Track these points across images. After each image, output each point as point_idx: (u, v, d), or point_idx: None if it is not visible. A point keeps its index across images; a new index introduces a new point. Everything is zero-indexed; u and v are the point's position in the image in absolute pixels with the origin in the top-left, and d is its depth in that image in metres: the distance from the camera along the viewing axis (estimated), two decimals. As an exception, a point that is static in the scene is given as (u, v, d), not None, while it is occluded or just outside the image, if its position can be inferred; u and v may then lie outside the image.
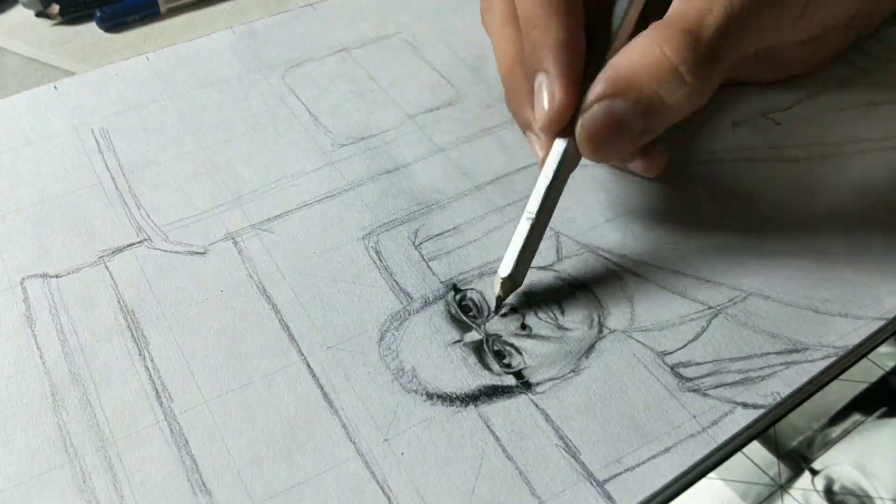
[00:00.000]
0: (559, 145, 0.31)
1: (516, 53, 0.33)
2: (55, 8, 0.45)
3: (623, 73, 0.28)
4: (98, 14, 0.45)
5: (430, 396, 0.29)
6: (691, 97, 0.28)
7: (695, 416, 0.28)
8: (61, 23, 0.45)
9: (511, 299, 0.31)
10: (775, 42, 0.33)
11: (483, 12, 0.37)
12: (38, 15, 0.45)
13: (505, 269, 0.30)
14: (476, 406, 0.28)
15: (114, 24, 0.45)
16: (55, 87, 0.41)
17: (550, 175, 0.31)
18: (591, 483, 0.26)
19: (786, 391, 0.28)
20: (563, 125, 0.30)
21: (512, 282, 0.30)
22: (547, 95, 0.30)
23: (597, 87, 0.29)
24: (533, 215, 0.30)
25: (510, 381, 0.29)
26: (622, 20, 0.30)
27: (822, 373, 0.29)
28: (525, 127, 0.33)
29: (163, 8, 0.45)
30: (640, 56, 0.28)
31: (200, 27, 0.45)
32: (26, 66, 0.43)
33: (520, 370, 0.29)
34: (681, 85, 0.28)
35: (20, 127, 0.39)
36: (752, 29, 0.29)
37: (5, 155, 0.38)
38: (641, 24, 0.30)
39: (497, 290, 0.30)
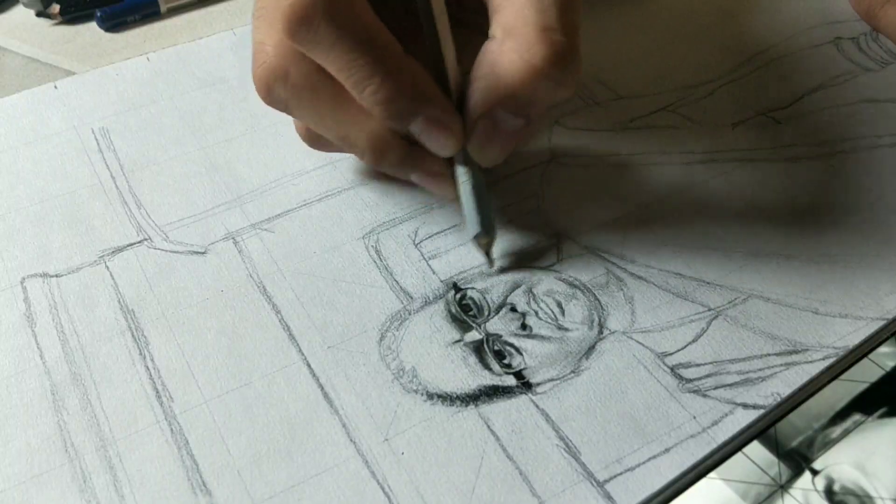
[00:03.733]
0: (460, 166, 0.32)
1: (362, 113, 0.30)
2: (55, 8, 0.45)
3: (493, 89, 0.29)
4: (98, 14, 0.45)
5: (430, 396, 0.29)
6: (563, 86, 0.29)
7: (695, 417, 0.28)
8: (61, 22, 0.45)
9: (512, 298, 0.31)
10: None
11: (272, 91, 0.30)
12: (39, 15, 0.45)
13: (472, 228, 0.31)
14: (476, 406, 0.28)
15: (114, 24, 0.45)
16: (55, 87, 0.41)
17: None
18: (592, 483, 0.26)
19: (786, 392, 0.28)
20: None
21: (487, 236, 0.31)
22: (441, 129, 0.30)
23: (473, 106, 0.29)
24: (466, 175, 0.31)
25: (510, 381, 0.29)
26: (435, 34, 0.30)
27: (822, 373, 0.29)
28: (415, 171, 0.32)
29: (163, 8, 0.45)
30: (504, 70, 0.28)
31: (201, 27, 0.45)
32: (26, 65, 0.43)
33: (520, 370, 0.29)
34: (550, 80, 0.28)
35: (20, 126, 0.39)
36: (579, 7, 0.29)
37: (5, 155, 0.38)
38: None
39: (480, 251, 0.32)
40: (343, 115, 0.30)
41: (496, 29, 0.29)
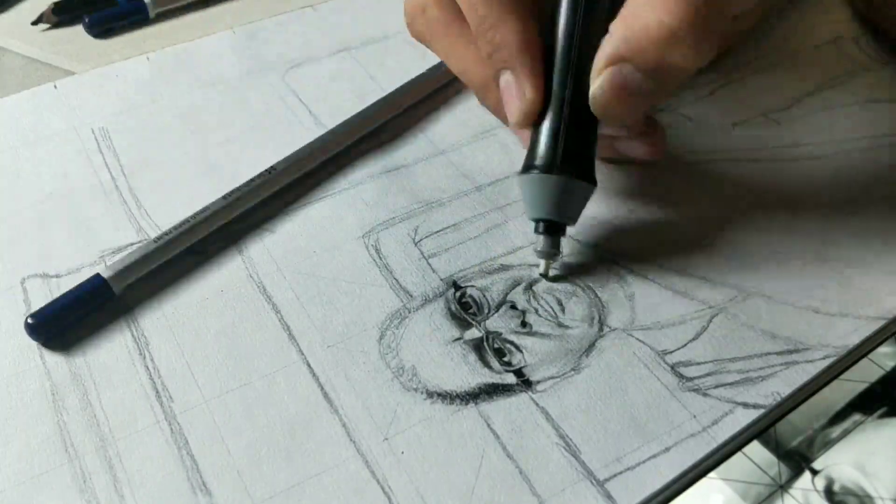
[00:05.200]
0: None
1: (476, 54, 0.33)
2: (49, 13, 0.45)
3: (626, 42, 0.28)
4: (86, 20, 0.44)
5: (430, 395, 0.29)
6: (697, 56, 0.28)
7: (695, 416, 0.28)
8: (54, 26, 0.45)
9: (512, 296, 0.31)
10: (742, 8, 0.34)
11: (413, 22, 0.34)
12: (34, 23, 0.45)
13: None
14: (476, 404, 0.28)
15: (102, 30, 0.44)
16: (55, 87, 0.41)
17: None
18: (592, 482, 0.26)
19: (786, 391, 0.28)
20: (535, 120, 0.31)
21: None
22: (517, 93, 0.31)
23: (602, 55, 0.29)
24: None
25: (510, 379, 0.29)
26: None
27: (822, 373, 0.29)
28: (504, 120, 0.33)
29: (152, 13, 0.45)
30: (639, 26, 0.28)
31: (200, 28, 0.45)
32: (26, 65, 0.43)
33: (520, 368, 0.29)
34: (685, 47, 0.28)
35: (20, 127, 0.39)
36: None
37: (5, 155, 0.38)
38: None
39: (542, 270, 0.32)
40: (463, 52, 0.33)
41: None
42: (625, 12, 0.29)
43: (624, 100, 0.29)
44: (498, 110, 0.33)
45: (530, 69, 0.30)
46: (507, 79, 0.31)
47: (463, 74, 0.34)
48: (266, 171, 0.34)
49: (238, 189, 0.34)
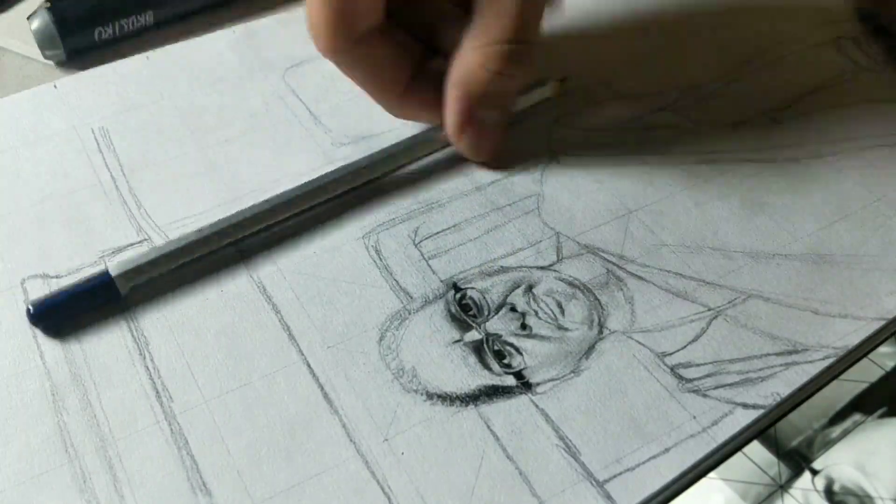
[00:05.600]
0: None
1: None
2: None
3: (468, 95, 0.34)
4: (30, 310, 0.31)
5: (430, 396, 0.29)
6: (527, 73, 0.34)
7: (695, 417, 0.28)
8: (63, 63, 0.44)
9: (512, 298, 0.31)
10: None
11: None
12: (31, 17, 0.45)
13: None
14: (476, 406, 0.28)
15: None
16: (55, 87, 0.41)
17: None
18: (592, 483, 0.26)
19: (786, 391, 0.28)
20: None
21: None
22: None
23: (454, 113, 0.34)
24: None
25: (510, 381, 0.29)
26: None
27: (822, 373, 0.29)
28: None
29: (123, 291, 0.32)
30: (474, 77, 0.33)
31: (200, 32, 0.45)
32: (26, 65, 0.43)
33: (520, 370, 0.29)
34: (514, 77, 0.33)
35: (20, 126, 0.39)
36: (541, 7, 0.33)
37: (5, 155, 0.38)
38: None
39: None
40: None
41: (465, 40, 0.33)
42: (456, 66, 0.34)
43: (487, 137, 0.36)
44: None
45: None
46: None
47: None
48: (293, 189, 0.34)
49: (258, 205, 0.33)
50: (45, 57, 0.43)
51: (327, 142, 0.38)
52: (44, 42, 0.42)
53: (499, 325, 0.31)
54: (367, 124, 0.39)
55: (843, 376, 0.29)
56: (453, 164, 0.37)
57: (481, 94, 0.33)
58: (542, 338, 0.30)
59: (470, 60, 0.33)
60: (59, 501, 0.26)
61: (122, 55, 0.43)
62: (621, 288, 0.32)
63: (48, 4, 0.43)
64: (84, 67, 0.42)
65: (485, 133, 0.35)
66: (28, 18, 0.43)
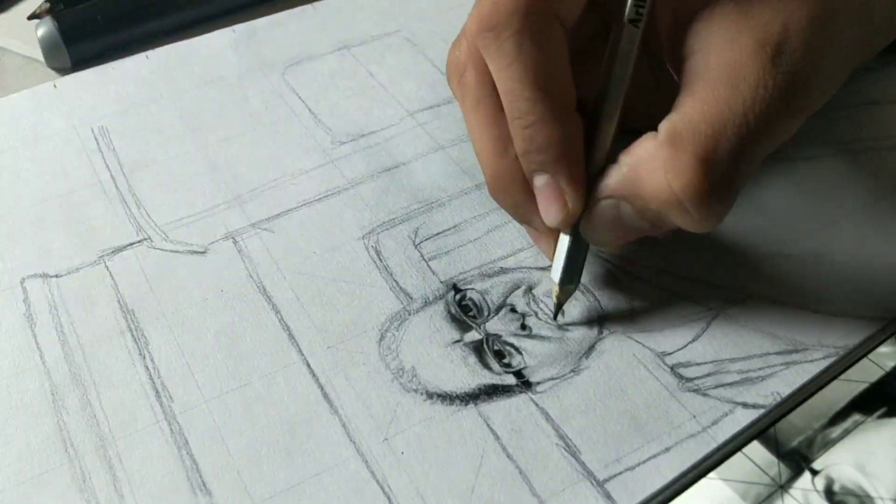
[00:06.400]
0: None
1: (501, 141, 0.29)
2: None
3: (630, 185, 0.27)
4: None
5: (429, 396, 0.29)
6: (700, 224, 0.26)
7: (695, 416, 0.28)
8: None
9: (512, 299, 0.31)
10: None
11: (451, 79, 0.31)
12: (31, 17, 0.45)
13: (556, 274, 0.30)
14: (476, 405, 0.28)
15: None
16: (55, 86, 0.41)
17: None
18: (591, 482, 0.26)
19: (786, 391, 0.28)
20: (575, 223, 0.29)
21: (569, 284, 0.30)
22: (557, 199, 0.28)
23: (604, 185, 0.28)
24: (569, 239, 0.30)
25: (510, 380, 0.29)
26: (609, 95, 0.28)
27: (822, 373, 0.29)
28: (523, 221, 0.31)
29: None
30: (647, 177, 0.26)
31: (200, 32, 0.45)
32: (26, 65, 0.43)
33: (520, 370, 0.29)
34: (687, 214, 0.26)
35: (20, 126, 0.39)
36: (768, 145, 0.26)
37: (5, 154, 0.38)
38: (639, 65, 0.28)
39: (557, 298, 0.30)
40: (487, 137, 0.29)
41: (665, 125, 0.26)
42: (636, 148, 0.27)
43: (615, 231, 0.28)
44: (515, 209, 0.30)
45: (574, 176, 0.28)
46: (544, 181, 0.28)
47: (481, 159, 0.30)
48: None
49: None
50: (50, 66, 0.43)
51: (327, 140, 0.38)
52: (49, 52, 0.42)
53: (499, 325, 0.31)
54: (367, 122, 0.39)
55: (843, 376, 0.29)
56: (453, 163, 0.37)
57: (643, 202, 0.27)
58: (542, 338, 0.30)
59: (656, 157, 0.26)
60: (59, 501, 0.26)
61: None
62: (621, 288, 0.32)
63: (58, 9, 0.43)
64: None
65: (615, 225, 0.28)
66: (33, 24, 0.43)
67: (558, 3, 0.27)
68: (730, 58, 0.25)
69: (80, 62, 0.43)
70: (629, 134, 0.28)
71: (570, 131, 0.28)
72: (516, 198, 0.29)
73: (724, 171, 0.25)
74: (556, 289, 0.30)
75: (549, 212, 0.28)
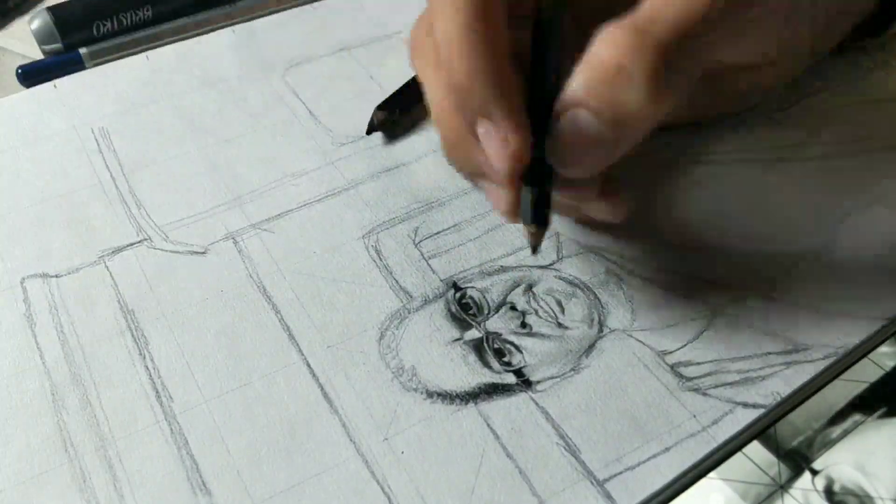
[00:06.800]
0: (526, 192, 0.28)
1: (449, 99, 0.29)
2: None
3: (578, 82, 0.26)
4: (20, 71, 0.41)
5: (430, 395, 0.29)
6: (651, 101, 0.26)
7: (695, 416, 0.28)
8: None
9: (512, 297, 0.31)
10: (732, 60, 0.30)
11: (412, 53, 0.31)
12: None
13: (525, 217, 0.28)
14: (476, 404, 0.28)
15: (35, 81, 0.41)
16: (55, 87, 0.41)
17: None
18: (592, 482, 0.26)
19: (786, 391, 0.28)
20: (523, 170, 0.28)
21: (537, 226, 0.29)
22: (499, 143, 0.27)
23: (561, 99, 0.27)
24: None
25: (510, 379, 0.29)
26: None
27: (822, 373, 0.29)
28: (474, 177, 0.30)
29: (88, 64, 0.43)
30: (591, 62, 0.26)
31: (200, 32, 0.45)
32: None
33: (520, 368, 0.29)
34: (636, 89, 0.25)
35: (20, 127, 0.39)
36: (714, 37, 0.26)
37: (5, 155, 0.38)
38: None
39: (530, 239, 0.29)
40: (440, 97, 0.30)
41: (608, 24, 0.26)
42: (587, 54, 0.26)
43: (579, 149, 0.27)
44: (465, 163, 0.30)
45: (514, 118, 0.27)
46: (485, 127, 0.27)
47: (436, 121, 0.30)
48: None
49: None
50: (44, 53, 0.43)
51: (327, 141, 0.38)
52: (42, 38, 0.42)
53: (499, 323, 0.31)
54: (367, 123, 0.39)
55: (843, 376, 0.29)
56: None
57: (594, 89, 0.26)
58: (543, 336, 0.30)
59: (606, 55, 0.26)
60: (59, 501, 0.26)
61: (121, 50, 0.43)
62: (621, 286, 0.32)
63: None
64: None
65: (580, 139, 0.27)
66: (28, 21, 0.43)
67: None
68: None
69: (72, 49, 0.43)
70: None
71: (504, 76, 0.27)
72: (467, 153, 0.29)
73: (663, 37, 0.25)
74: (527, 228, 0.29)
75: (496, 157, 0.27)
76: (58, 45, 0.43)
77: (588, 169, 0.28)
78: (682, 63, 0.26)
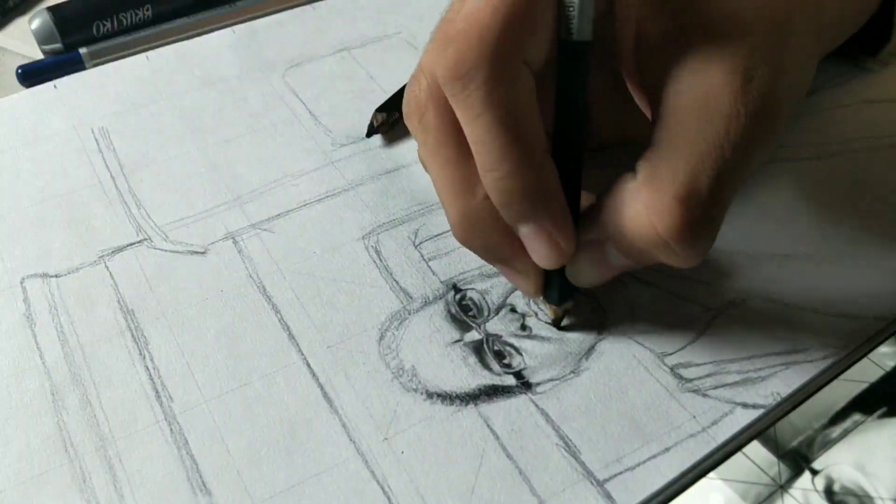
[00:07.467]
0: None
1: (468, 181, 0.27)
2: None
3: (613, 228, 0.27)
4: (19, 71, 0.42)
5: (429, 395, 0.29)
6: (685, 261, 0.26)
7: (695, 417, 0.28)
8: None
9: (512, 299, 0.31)
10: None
11: (410, 118, 0.29)
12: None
13: (552, 297, 0.30)
14: (476, 405, 0.28)
15: (34, 81, 0.42)
16: (55, 87, 0.41)
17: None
18: (592, 483, 0.26)
19: (786, 391, 0.28)
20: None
21: (561, 304, 0.30)
22: (547, 243, 0.27)
23: (588, 231, 0.28)
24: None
25: (510, 380, 0.29)
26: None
27: (822, 373, 0.29)
28: (501, 263, 0.30)
29: (88, 64, 0.43)
30: (629, 219, 0.26)
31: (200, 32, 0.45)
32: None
33: (520, 370, 0.29)
34: (672, 253, 0.26)
35: (20, 126, 0.39)
36: (746, 173, 0.26)
37: (5, 154, 0.38)
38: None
39: (553, 315, 0.30)
40: (451, 179, 0.28)
41: (643, 165, 0.26)
42: (616, 190, 0.26)
43: (600, 272, 0.28)
44: (488, 250, 0.29)
45: (560, 220, 0.27)
46: (529, 229, 0.27)
47: (445, 201, 0.29)
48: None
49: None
50: (44, 53, 0.43)
51: (327, 142, 0.38)
52: (42, 38, 0.42)
53: (499, 325, 0.31)
54: (367, 124, 0.39)
55: (843, 376, 0.29)
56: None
57: (627, 244, 0.26)
58: (542, 338, 0.30)
59: (637, 199, 0.25)
60: (59, 501, 0.26)
61: (121, 50, 0.43)
62: (621, 289, 0.32)
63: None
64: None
65: (600, 266, 0.28)
66: (28, 21, 0.43)
67: (525, 45, 0.25)
68: (701, 89, 0.25)
69: (73, 48, 0.43)
70: (601, 154, 0.28)
71: (547, 176, 0.27)
72: (490, 240, 0.28)
73: (705, 206, 0.25)
74: (553, 309, 0.30)
75: (541, 256, 0.28)
76: (58, 45, 0.43)
77: (600, 284, 0.29)
78: (718, 215, 0.26)
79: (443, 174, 0.28)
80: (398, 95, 0.39)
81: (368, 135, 0.38)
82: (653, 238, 0.25)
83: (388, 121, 0.38)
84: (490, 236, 0.28)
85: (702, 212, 0.25)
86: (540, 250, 0.28)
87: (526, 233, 0.27)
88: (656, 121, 0.26)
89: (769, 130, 0.25)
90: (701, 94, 0.25)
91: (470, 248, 0.30)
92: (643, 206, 0.25)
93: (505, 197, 0.26)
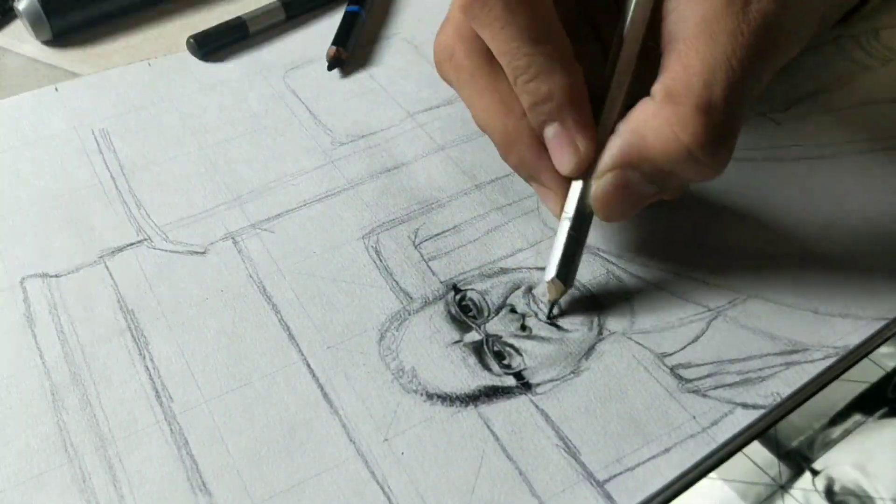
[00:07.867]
0: (571, 206, 0.30)
1: (503, 102, 0.30)
2: None
3: (636, 150, 0.28)
4: (192, 40, 0.43)
5: (429, 396, 0.29)
6: (710, 170, 0.28)
7: (695, 417, 0.28)
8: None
9: (512, 299, 0.31)
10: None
11: (440, 66, 0.32)
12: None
13: (550, 270, 0.30)
14: (476, 406, 0.28)
15: (209, 50, 0.43)
16: (56, 89, 0.41)
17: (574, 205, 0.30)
18: (591, 483, 0.26)
19: (786, 391, 0.28)
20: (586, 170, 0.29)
21: (562, 285, 0.30)
22: (568, 146, 0.29)
23: (608, 157, 0.28)
24: (570, 215, 0.30)
25: (510, 381, 0.29)
26: (616, 61, 0.30)
27: (822, 373, 0.29)
28: (532, 178, 0.31)
29: (252, 29, 0.44)
30: (652, 136, 0.27)
31: (200, 27, 0.45)
32: (27, 67, 0.43)
33: (520, 371, 0.29)
34: (697, 163, 0.27)
35: (21, 127, 0.39)
36: (755, 86, 0.28)
37: (6, 155, 0.38)
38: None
39: (549, 295, 0.30)
40: (488, 102, 0.31)
41: (658, 88, 0.27)
42: (635, 115, 0.28)
43: (626, 202, 0.29)
44: (523, 165, 0.31)
45: (582, 121, 0.29)
46: (554, 131, 0.29)
47: (487, 126, 0.31)
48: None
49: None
50: (35, 37, 0.44)
51: (327, 141, 0.38)
52: (31, 22, 0.43)
53: (499, 326, 0.31)
54: (367, 123, 0.39)
55: (843, 376, 0.29)
56: (453, 163, 0.37)
57: (651, 162, 0.27)
58: (542, 339, 0.30)
59: (658, 116, 0.27)
60: (59, 501, 0.26)
61: (110, 34, 0.44)
62: (621, 289, 0.32)
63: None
64: (71, 45, 0.44)
65: (625, 196, 0.29)
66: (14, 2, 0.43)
67: None
68: (705, 14, 0.27)
69: (61, 34, 0.44)
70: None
71: (573, 78, 0.29)
72: (524, 154, 0.30)
73: (723, 114, 0.27)
74: (549, 286, 0.30)
75: (563, 159, 0.29)
76: (45, 29, 0.43)
77: (626, 217, 0.30)
78: (737, 123, 0.27)
79: (482, 103, 0.31)
80: (344, 26, 0.42)
81: (330, 68, 0.41)
82: (678, 151, 0.27)
83: (340, 56, 0.41)
84: (524, 152, 0.30)
85: (720, 120, 0.27)
86: (562, 155, 0.29)
87: (551, 136, 0.29)
88: (666, 48, 0.28)
89: (772, 47, 0.28)
90: (706, 18, 0.27)
91: (510, 164, 0.32)
92: (664, 121, 0.27)
93: (532, 98, 0.29)
